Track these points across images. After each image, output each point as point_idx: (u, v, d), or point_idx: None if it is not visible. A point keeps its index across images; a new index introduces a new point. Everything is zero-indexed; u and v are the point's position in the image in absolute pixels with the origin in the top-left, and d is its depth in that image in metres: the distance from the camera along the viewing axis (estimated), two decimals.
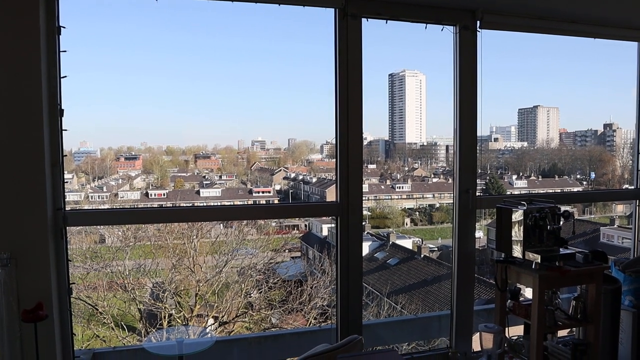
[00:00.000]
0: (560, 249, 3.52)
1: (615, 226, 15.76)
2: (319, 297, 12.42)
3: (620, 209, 18.34)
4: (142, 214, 4.46)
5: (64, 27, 3.29)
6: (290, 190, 19.08)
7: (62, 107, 3.30)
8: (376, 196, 19.38)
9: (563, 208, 3.61)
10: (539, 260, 3.38)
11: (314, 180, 18.88)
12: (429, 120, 21.58)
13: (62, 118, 3.30)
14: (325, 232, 15.54)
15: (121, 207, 12.78)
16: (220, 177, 18.69)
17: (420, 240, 17.61)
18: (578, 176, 20.76)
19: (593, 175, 20.41)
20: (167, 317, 11.75)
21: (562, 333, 4.01)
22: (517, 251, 3.53)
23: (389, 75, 21.44)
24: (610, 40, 4.62)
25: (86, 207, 14.79)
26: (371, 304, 13.65)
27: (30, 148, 3.15)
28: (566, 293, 4.32)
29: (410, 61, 21.95)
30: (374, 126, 21.48)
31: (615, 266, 4.10)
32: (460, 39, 3.99)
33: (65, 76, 3.30)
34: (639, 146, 4.91)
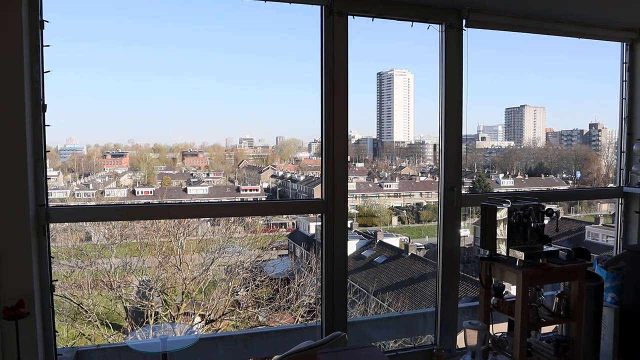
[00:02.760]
0: (544, 247, 3.55)
1: (600, 225, 15.93)
2: (306, 295, 12.41)
3: (605, 207, 18.55)
4: (126, 211, 4.41)
5: (47, 21, 3.24)
6: (278, 189, 19.04)
7: (45, 103, 3.25)
8: (364, 194, 19.42)
9: (547, 206, 3.64)
10: (522, 258, 3.40)
11: (302, 178, 18.86)
12: (417, 119, 21.72)
13: (45, 113, 3.25)
14: (312, 230, 15.54)
15: (106, 204, 12.65)
16: (208, 174, 18.62)
17: (407, 238, 17.67)
18: (564, 175, 20.97)
19: (579, 174, 20.63)
20: (153, 316, 11.68)
21: (545, 330, 4.05)
22: (501, 248, 3.56)
23: (377, 74, 21.53)
24: (595, 40, 4.67)
25: (71, 204, 14.61)
26: (358, 302, 13.68)
27: (12, 143, 3.09)
28: (550, 290, 4.37)
29: (399, 60, 22.02)
30: (362, 125, 21.57)
31: (597, 263, 4.15)
32: (446, 38, 4.00)
33: (49, 71, 3.26)
34: (622, 145, 4.97)
